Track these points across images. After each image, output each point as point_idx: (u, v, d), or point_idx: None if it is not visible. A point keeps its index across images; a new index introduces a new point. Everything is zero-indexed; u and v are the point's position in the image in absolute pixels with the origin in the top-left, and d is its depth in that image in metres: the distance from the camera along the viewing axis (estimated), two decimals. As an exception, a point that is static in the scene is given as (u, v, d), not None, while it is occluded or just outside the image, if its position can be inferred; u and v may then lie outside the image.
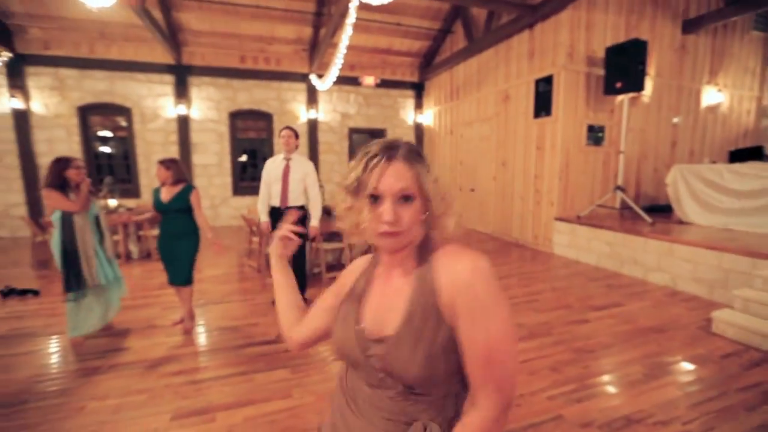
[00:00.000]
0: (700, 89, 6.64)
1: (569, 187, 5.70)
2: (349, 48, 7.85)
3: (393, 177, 0.69)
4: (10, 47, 6.49)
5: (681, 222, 4.99)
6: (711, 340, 2.92)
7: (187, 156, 7.69)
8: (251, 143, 8.45)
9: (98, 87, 7.13)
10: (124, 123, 7.49)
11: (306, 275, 3.59)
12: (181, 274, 3.01)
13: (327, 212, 4.92)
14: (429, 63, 8.94)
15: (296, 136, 3.36)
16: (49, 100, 6.93)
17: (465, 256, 0.72)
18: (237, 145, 8.20)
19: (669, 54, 6.21)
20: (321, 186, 5.19)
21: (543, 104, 5.75)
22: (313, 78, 7.93)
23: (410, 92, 9.27)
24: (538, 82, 5.81)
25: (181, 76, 7.51)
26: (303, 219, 3.38)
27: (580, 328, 3.13)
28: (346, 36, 5.33)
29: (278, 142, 8.23)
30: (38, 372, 2.48)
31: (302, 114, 8.42)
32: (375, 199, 0.71)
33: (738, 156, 5.15)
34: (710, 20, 6.11)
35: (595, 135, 5.77)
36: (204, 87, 7.76)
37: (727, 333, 2.97)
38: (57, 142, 7.03)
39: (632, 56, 5.02)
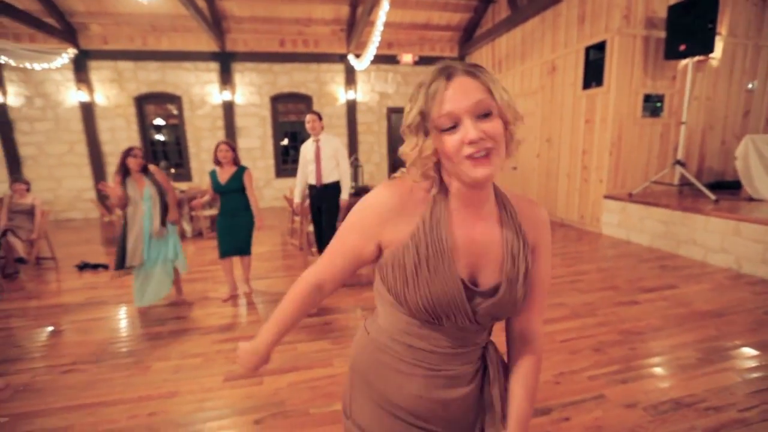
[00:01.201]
0: (782, 49, 5.85)
1: (621, 163, 5.32)
2: (386, 25, 7.70)
3: (461, 93, 0.62)
4: (75, 44, 7.05)
5: (751, 199, 4.52)
6: (779, 326, 2.68)
7: (232, 140, 8.04)
8: (292, 126, 8.65)
9: (151, 77, 7.58)
10: (175, 111, 7.94)
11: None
12: (245, 245, 3.37)
13: (366, 191, 4.99)
14: (470, 37, 8.57)
15: (320, 118, 3.51)
16: (109, 91, 7.48)
17: (535, 202, 0.79)
18: (278, 129, 8.43)
19: (745, 9, 5.49)
20: (359, 164, 5.26)
21: (594, 74, 5.35)
22: (350, 58, 7.90)
23: (450, 68, 8.97)
24: (588, 49, 5.40)
25: (225, 63, 7.78)
26: (337, 192, 3.60)
27: (628, 309, 2.98)
28: (383, 12, 5.24)
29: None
30: (111, 336, 2.78)
31: (341, 95, 8.46)
32: (450, 128, 0.63)
33: (826, 123, 4.52)
34: (799, -33, 5.31)
35: (652, 105, 5.30)
36: (246, 72, 8.00)
37: (799, 319, 2.71)
38: (118, 130, 7.61)
39: (700, 14, 4.50)
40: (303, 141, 8.24)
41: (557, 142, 6.15)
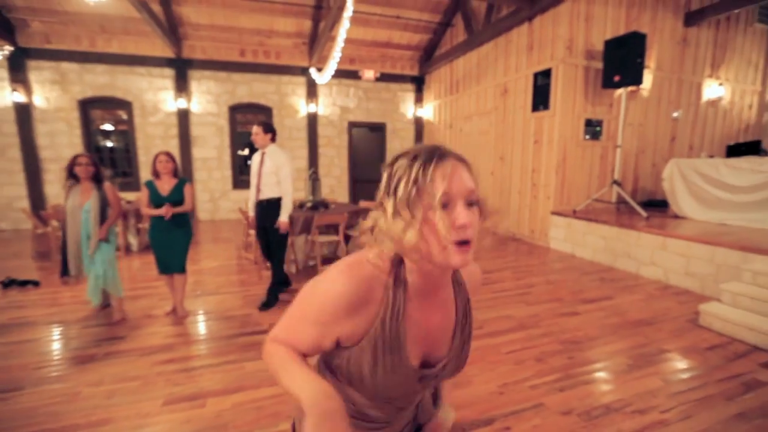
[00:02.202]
0: (701, 83, 6.58)
1: (566, 182, 5.70)
2: (349, 41, 7.85)
3: (458, 177, 0.62)
4: (11, 41, 6.55)
5: (676, 217, 4.99)
6: (697, 333, 2.95)
7: (187, 149, 7.75)
8: (250, 137, 8.48)
9: (99, 81, 7.18)
10: (124, 116, 7.55)
11: (282, 268, 3.56)
12: (179, 262, 3.17)
13: (324, 205, 4.97)
14: (429, 56, 8.91)
15: (266, 130, 3.31)
16: (50, 93, 6.99)
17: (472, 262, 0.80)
18: (237, 139, 8.24)
19: (670, 47, 6.16)
20: (317, 178, 5.23)
21: (541, 98, 5.73)
22: (312, 71, 7.93)
23: (410, 86, 9.25)
24: (536, 75, 5.79)
25: (182, 70, 7.54)
26: (276, 210, 3.35)
27: (570, 320, 3.16)
28: (343, 29, 5.33)
29: (278, 135, 8.30)
30: (37, 360, 2.55)
31: (302, 108, 8.44)
32: (443, 205, 0.61)
33: (735, 150, 5.12)
34: (713, 12, 6.04)
35: (593, 129, 5.76)
36: (204, 80, 7.79)
37: (713, 326, 3.00)
38: (58, 135, 7.10)
39: (631, 49, 4.98)
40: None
41: (509, 161, 6.49)
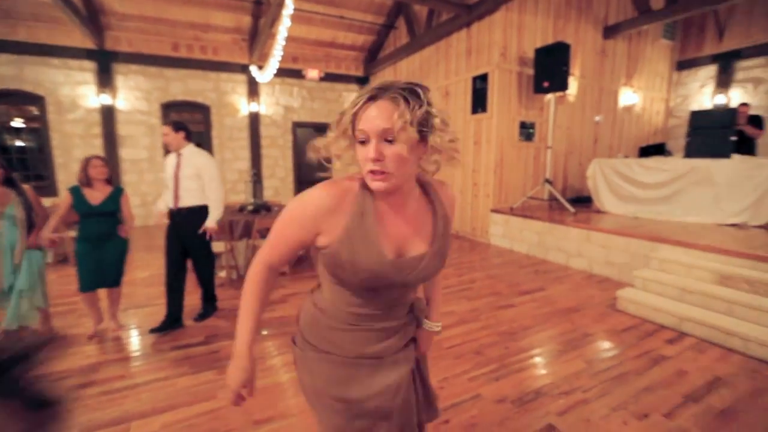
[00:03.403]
0: (617, 90, 7.28)
1: (504, 181, 6.03)
2: (291, 40, 7.67)
3: (376, 116, 0.73)
4: None
5: (599, 211, 5.47)
6: (615, 316, 3.26)
7: (113, 150, 7.11)
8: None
9: (3, 72, 6.36)
10: (36, 112, 6.75)
11: (213, 282, 3.28)
12: (116, 275, 2.90)
13: (267, 208, 4.81)
14: (374, 57, 8.97)
15: (176, 128, 2.90)
16: (-61, 85, 6.07)
17: (447, 185, 0.98)
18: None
19: (591, 57, 6.73)
20: (259, 180, 5.04)
21: (480, 101, 6.00)
22: (253, 69, 7.64)
23: (355, 86, 9.24)
24: (475, 79, 6.06)
25: (105, 63, 6.90)
26: (198, 220, 2.99)
27: (506, 312, 3.34)
28: (284, 27, 5.20)
29: (217, 135, 7.89)
30: None
31: (243, 107, 8.10)
32: (361, 141, 0.76)
33: (646, 151, 5.72)
34: (626, 27, 6.70)
35: (526, 131, 6.14)
36: (132, 75, 7.20)
37: (628, 309, 3.33)
38: (-48, 133, 6.18)
39: (557, 58, 5.38)
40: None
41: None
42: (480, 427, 1.92)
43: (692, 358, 2.59)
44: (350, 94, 9.20)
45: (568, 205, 5.45)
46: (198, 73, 7.65)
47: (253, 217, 4.25)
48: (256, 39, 7.38)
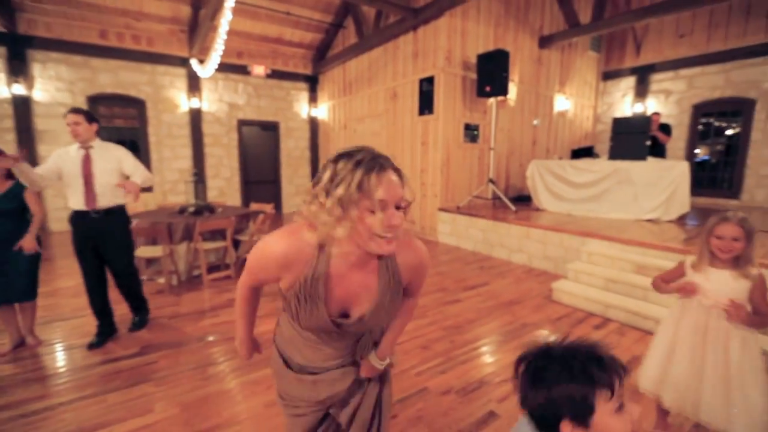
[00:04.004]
0: (552, 96, 7.83)
1: (450, 180, 6.24)
2: (235, 34, 7.38)
3: (392, 186, 0.78)
4: None
5: (538, 209, 5.86)
6: (551, 306, 3.51)
7: (31, 146, 6.38)
8: (120, 133, 7.36)
9: None
10: (-70, 103, 5.87)
11: (141, 289, 3.00)
12: (23, 288, 2.54)
13: (210, 209, 4.59)
14: (322, 56, 8.87)
15: (89, 119, 2.57)
16: None
17: (418, 250, 1.00)
18: (101, 135, 7.03)
19: (528, 64, 7.18)
20: (200, 180, 4.78)
21: (426, 103, 6.17)
22: (193, 63, 7.24)
23: (304, 85, 9.09)
24: (421, 81, 6.21)
25: (17, 49, 6.17)
26: (120, 222, 2.76)
27: (452, 307, 3.48)
28: (225, 20, 4.98)
29: (154, 132, 7.38)
30: None
31: (183, 102, 7.64)
32: (372, 210, 0.78)
33: (577, 154, 6.22)
34: (558, 38, 7.23)
35: (471, 133, 6.41)
36: (52, 64, 6.50)
37: (562, 299, 3.61)
38: None
39: (498, 64, 5.68)
40: (137, 149, 7.16)
41: (400, 161, 6.69)
42: (425, 419, 1.98)
43: (615, 341, 2.87)
44: (298, 92, 9.03)
45: (510, 204, 5.78)
46: (131, 64, 7.09)
47: (194, 219, 4.03)
48: (197, 31, 6.99)
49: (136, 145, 7.36)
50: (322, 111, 9.22)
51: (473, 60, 6.14)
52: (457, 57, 6.07)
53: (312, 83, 9.17)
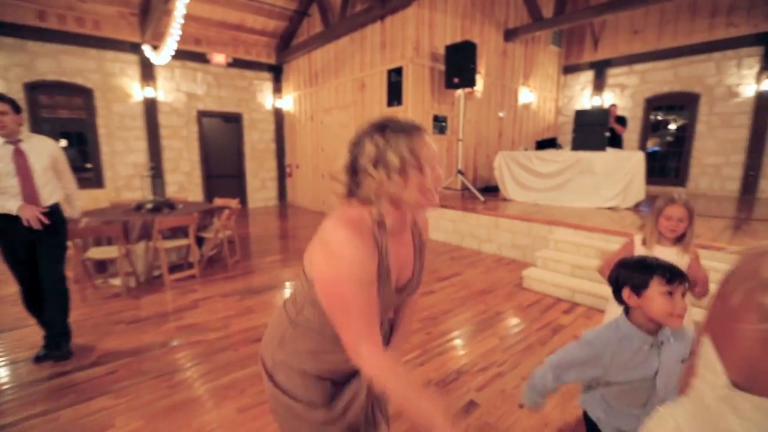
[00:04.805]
0: (517, 89, 8.00)
1: (421, 172, 6.24)
2: (192, 19, 6.96)
3: (432, 145, 0.86)
4: None
5: (505, 199, 5.99)
6: (522, 294, 3.60)
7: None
8: (64, 124, 6.78)
9: None
10: None
11: (66, 296, 2.53)
12: None
13: (169, 205, 4.32)
14: (287, 45, 8.57)
15: (17, 111, 2.28)
16: None
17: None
18: (42, 127, 6.45)
19: (494, 57, 7.28)
20: (157, 175, 4.49)
21: (395, 94, 6.11)
22: (146, 49, 6.76)
23: (267, 75, 8.75)
24: (390, 72, 6.14)
25: (-63, 30, 5.50)
26: (60, 222, 2.49)
27: (427, 299, 3.48)
28: (181, 3, 4.67)
29: (104, 123, 6.86)
30: None
31: (136, 91, 7.13)
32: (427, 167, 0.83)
33: (541, 145, 6.40)
34: (522, 32, 7.37)
35: (440, 124, 6.43)
36: (-21, 47, 5.85)
37: (532, 286, 3.71)
38: None
39: (466, 55, 5.70)
40: (85, 142, 6.62)
41: (371, 153, 6.75)
42: (406, 414, 1.95)
43: (582, 324, 2.98)
44: (262, 82, 8.69)
45: (478, 194, 5.87)
46: (74, 49, 6.52)
47: (152, 216, 3.78)
48: (149, 15, 6.53)
49: (84, 137, 6.82)
50: (287, 102, 8.93)
51: (441, 51, 6.14)
52: (425, 48, 6.04)
53: (276, 73, 8.85)
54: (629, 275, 1.11)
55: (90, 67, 6.69)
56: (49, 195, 2.42)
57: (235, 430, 1.84)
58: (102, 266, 3.91)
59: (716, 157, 7.15)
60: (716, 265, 2.79)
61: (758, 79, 6.59)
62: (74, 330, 2.74)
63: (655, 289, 1.05)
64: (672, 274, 1.05)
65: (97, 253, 3.52)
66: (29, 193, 2.34)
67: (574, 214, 4.75)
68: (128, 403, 2.03)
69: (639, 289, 1.08)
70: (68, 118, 6.81)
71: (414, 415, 0.78)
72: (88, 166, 6.88)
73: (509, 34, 7.41)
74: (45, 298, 2.45)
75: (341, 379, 1.02)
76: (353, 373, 1.02)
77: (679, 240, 1.70)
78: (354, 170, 0.84)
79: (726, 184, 7.10)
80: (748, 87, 6.72)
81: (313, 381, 0.97)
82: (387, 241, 0.87)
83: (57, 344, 2.46)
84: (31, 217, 2.26)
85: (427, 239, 1.07)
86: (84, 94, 6.72)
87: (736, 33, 6.74)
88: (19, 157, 2.31)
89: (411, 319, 1.17)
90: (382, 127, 0.83)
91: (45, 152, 2.41)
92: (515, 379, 2.24)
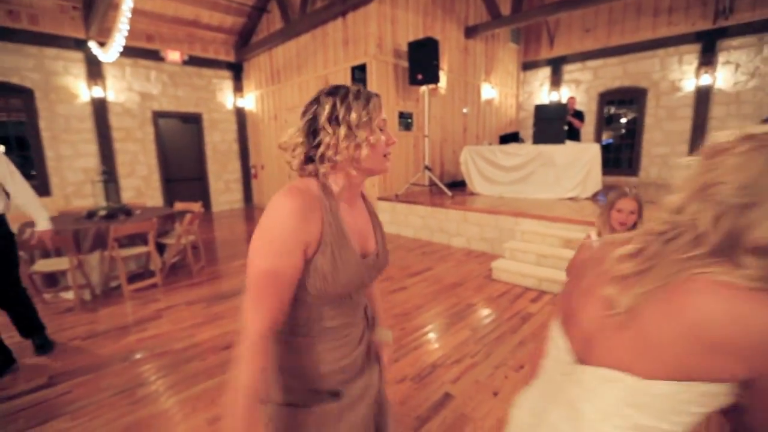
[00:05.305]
0: (479, 85, 8.18)
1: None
2: (142, 14, 6.61)
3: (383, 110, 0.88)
4: None
5: (472, 194, 6.12)
6: (492, 285, 3.69)
7: None
8: (1, 128, 6.23)
9: None
10: None
11: (29, 306, 2.57)
12: None
13: (126, 212, 4.08)
14: (246, 42, 8.30)
15: None
16: None
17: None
18: (-26, 131, 5.90)
19: (456, 54, 7.40)
20: (110, 180, 4.21)
21: (360, 91, 6.06)
22: (92, 46, 6.33)
23: (227, 73, 8.45)
24: (354, 69, 6.09)
25: None
26: (6, 235, 2.35)
27: (399, 295, 3.49)
28: (128, -4, 4.40)
29: (47, 126, 6.38)
30: None
31: (82, 91, 6.66)
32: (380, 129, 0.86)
33: (505, 139, 6.58)
34: (482, 30, 7.54)
35: (405, 121, 6.46)
36: None
37: (502, 277, 3.81)
38: None
39: (428, 52, 5.75)
40: (27, 147, 6.11)
41: (338, 152, 6.68)
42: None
43: (550, 311, 3.09)
44: (221, 81, 8.38)
45: (446, 190, 5.95)
46: (8, 45, 5.99)
47: (107, 224, 3.54)
48: (94, 9, 6.10)
49: (25, 142, 6.30)
50: (249, 101, 8.67)
51: (404, 48, 6.16)
52: (388, 45, 6.04)
53: (236, 71, 8.56)
54: None
55: (28, 66, 6.18)
56: None
57: (206, 443, 1.76)
58: (52, 279, 3.63)
59: (663, 148, 7.64)
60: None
61: (697, 74, 7.10)
62: (22, 349, 2.53)
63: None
64: None
65: (45, 266, 3.26)
66: None
67: (538, 205, 4.92)
68: (86, 423, 1.89)
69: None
70: (6, 122, 6.26)
71: (228, 400, 0.73)
72: (32, 173, 6.36)
73: (470, 31, 7.55)
74: (6, 305, 2.46)
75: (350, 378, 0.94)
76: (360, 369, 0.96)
77: (630, 231, 1.80)
78: (313, 130, 0.84)
79: (673, 172, 7.59)
80: (689, 81, 7.22)
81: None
82: (339, 207, 0.85)
83: (36, 331, 2.59)
84: None
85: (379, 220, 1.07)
86: (23, 94, 6.20)
87: (677, 31, 7.22)
88: None
89: (379, 298, 1.18)
90: (338, 89, 0.85)
91: None
92: (488, 369, 2.29)
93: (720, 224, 0.50)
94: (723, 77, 6.90)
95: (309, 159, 0.86)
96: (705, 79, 6.98)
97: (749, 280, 0.47)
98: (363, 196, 1.01)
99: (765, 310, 0.45)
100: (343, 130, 0.81)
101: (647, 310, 0.51)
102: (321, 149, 0.82)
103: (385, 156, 0.88)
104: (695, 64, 7.12)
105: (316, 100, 0.84)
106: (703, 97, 7.05)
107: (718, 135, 0.54)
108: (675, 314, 0.49)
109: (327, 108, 0.82)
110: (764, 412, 0.49)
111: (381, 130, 0.86)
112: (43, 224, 2.47)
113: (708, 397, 0.49)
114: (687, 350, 0.48)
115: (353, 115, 0.81)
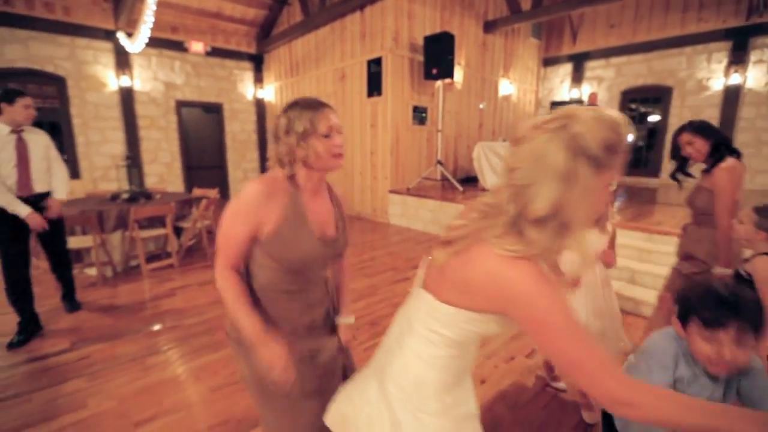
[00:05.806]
0: (497, 81, 8.11)
1: (400, 162, 6.32)
2: (168, 6, 6.84)
3: (333, 117, 1.03)
4: None
5: (483, 189, 6.12)
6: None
7: None
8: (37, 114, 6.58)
9: None
10: None
11: (72, 272, 3.06)
12: None
13: (146, 195, 4.31)
14: (267, 34, 8.47)
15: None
16: None
17: (335, 186, 1.23)
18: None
19: (474, 48, 7.36)
20: (134, 165, 4.46)
21: (375, 84, 6.14)
22: (120, 36, 6.61)
23: (248, 64, 8.65)
24: (369, 63, 6.15)
25: None
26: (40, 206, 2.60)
27: (402, 285, 3.58)
28: (154, -11, 4.59)
29: (78, 113, 6.71)
30: None
31: (111, 80, 6.97)
32: (327, 135, 1.01)
33: (519, 136, 6.53)
34: (502, 24, 7.45)
35: (419, 115, 6.49)
36: (-57, 33, 5.64)
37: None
38: None
39: (444, 46, 5.76)
40: (59, 132, 6.48)
41: (350, 144, 6.79)
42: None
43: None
44: (242, 72, 8.59)
45: (457, 185, 5.98)
46: (44, 35, 6.32)
47: (128, 206, 3.76)
48: (122, 1, 6.37)
49: (58, 127, 6.66)
50: (268, 92, 8.86)
51: (420, 42, 6.18)
52: (404, 39, 6.07)
53: (257, 63, 8.75)
54: (681, 299, 0.99)
55: (61, 55, 6.51)
56: (41, 183, 2.59)
57: (208, 407, 1.91)
58: (78, 256, 3.89)
59: (686, 149, 7.39)
60: (671, 249, 2.96)
61: (726, 73, 6.84)
62: (49, 318, 2.77)
63: (695, 329, 0.93)
64: (716, 317, 0.88)
65: (71, 242, 3.50)
66: (24, 179, 2.49)
67: (547, 203, 4.89)
68: (101, 385, 2.07)
69: (682, 320, 0.97)
70: (41, 108, 6.61)
71: (240, 327, 1.02)
72: (64, 157, 6.71)
73: (489, 26, 7.48)
74: (58, 265, 2.90)
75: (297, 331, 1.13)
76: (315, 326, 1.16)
77: (598, 222, 1.87)
78: (276, 137, 1.04)
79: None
80: (717, 81, 6.95)
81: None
82: (301, 196, 1.05)
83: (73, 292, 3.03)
84: (38, 227, 2.51)
85: (344, 211, 1.23)
86: (56, 82, 6.55)
87: (706, 28, 6.95)
88: (21, 146, 2.48)
89: (347, 288, 1.34)
90: (295, 104, 1.03)
91: (41, 143, 2.61)
92: (480, 358, 2.36)
93: (514, 202, 0.67)
94: (754, 76, 6.63)
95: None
96: (734, 78, 6.71)
97: (511, 252, 0.65)
98: (330, 189, 1.20)
99: (509, 272, 0.65)
100: (293, 139, 1.00)
101: (452, 262, 0.73)
102: (282, 154, 1.03)
103: (335, 156, 1.04)
104: (725, 62, 6.85)
105: (279, 115, 1.03)
106: (732, 97, 6.79)
107: (522, 124, 0.70)
108: (462, 267, 0.71)
109: (283, 121, 1.01)
110: (533, 336, 0.67)
111: (327, 136, 1.01)
112: (60, 195, 2.73)
113: (474, 320, 0.73)
114: (461, 290, 0.72)
115: (300, 128, 0.99)
